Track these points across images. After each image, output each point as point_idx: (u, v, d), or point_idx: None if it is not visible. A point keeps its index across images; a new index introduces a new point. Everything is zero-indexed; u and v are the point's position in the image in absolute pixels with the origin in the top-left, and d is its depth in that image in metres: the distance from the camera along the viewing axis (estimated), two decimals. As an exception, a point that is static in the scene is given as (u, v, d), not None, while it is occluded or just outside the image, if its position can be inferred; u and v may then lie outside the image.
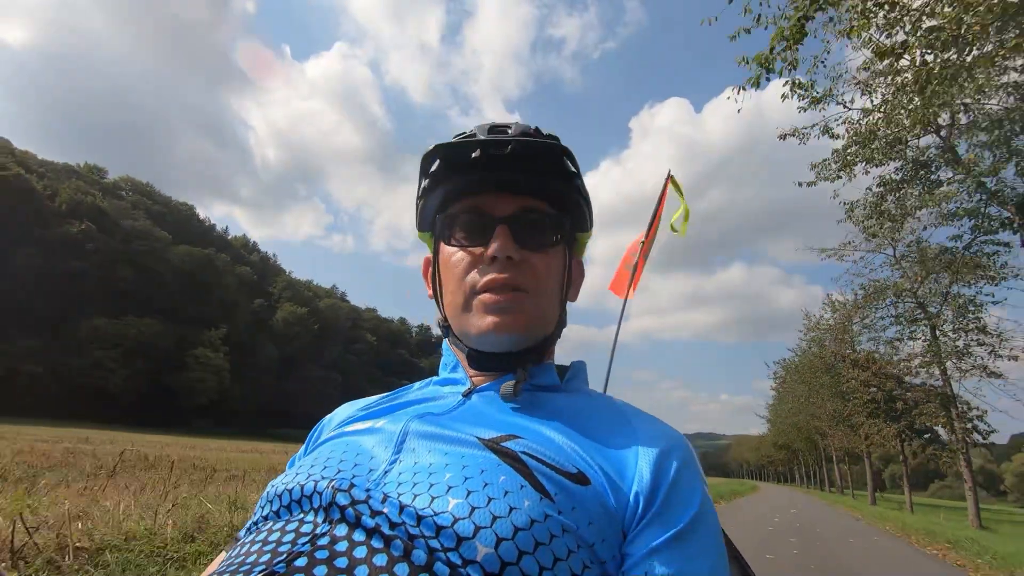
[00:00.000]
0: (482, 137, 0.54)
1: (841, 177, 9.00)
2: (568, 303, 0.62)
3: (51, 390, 56.46)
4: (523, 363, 0.55)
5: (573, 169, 0.56)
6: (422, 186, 0.59)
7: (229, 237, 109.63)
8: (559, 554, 0.39)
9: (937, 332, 12.71)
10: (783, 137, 8.80)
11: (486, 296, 0.53)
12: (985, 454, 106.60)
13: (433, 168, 0.56)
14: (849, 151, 8.67)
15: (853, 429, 19.68)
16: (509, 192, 0.56)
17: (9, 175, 63.95)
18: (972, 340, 12.04)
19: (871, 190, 9.89)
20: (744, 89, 5.42)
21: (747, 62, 5.14)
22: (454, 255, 0.57)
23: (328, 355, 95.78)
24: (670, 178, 2.92)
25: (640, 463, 0.46)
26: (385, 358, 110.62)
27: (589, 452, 0.47)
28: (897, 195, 9.41)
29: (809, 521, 11.73)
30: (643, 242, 2.91)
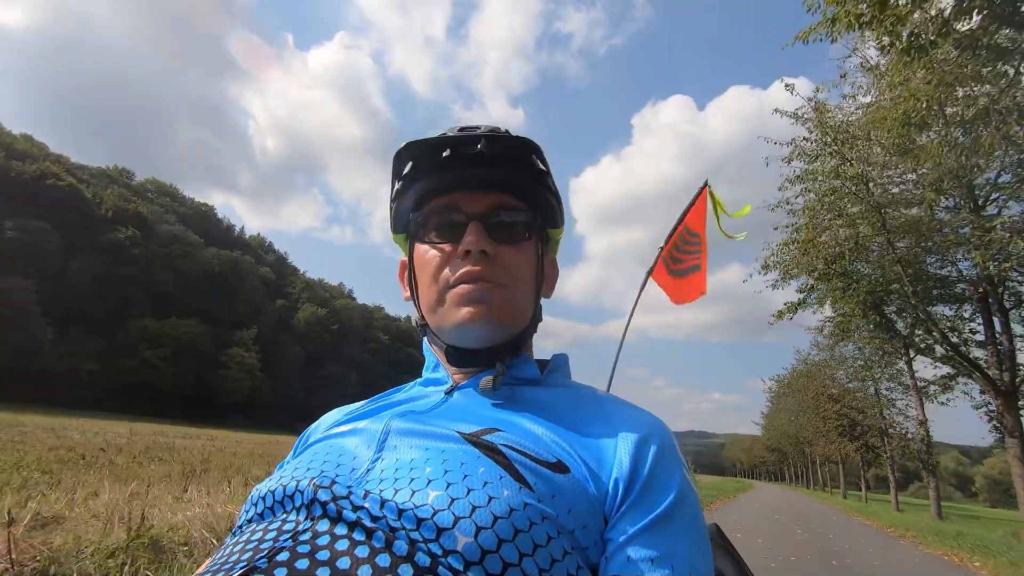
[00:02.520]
0: (451, 134, 0.56)
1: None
2: (544, 299, 0.66)
3: (107, 386, 62.82)
4: (501, 357, 0.57)
5: (543, 166, 0.58)
6: (395, 189, 0.61)
7: (247, 237, 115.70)
8: (539, 541, 0.40)
9: (877, 388, 20.59)
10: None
11: (460, 288, 0.55)
12: (958, 458, 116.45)
13: (405, 171, 0.58)
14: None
15: (829, 441, 27.55)
16: (481, 189, 0.58)
17: (63, 185, 69.71)
18: (898, 396, 19.84)
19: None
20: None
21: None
22: (428, 252, 0.59)
23: (346, 354, 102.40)
24: (706, 188, 3.17)
25: (619, 450, 0.48)
26: (396, 356, 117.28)
27: (569, 441, 0.49)
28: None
29: (797, 505, 19.37)
30: (661, 247, 3.13)
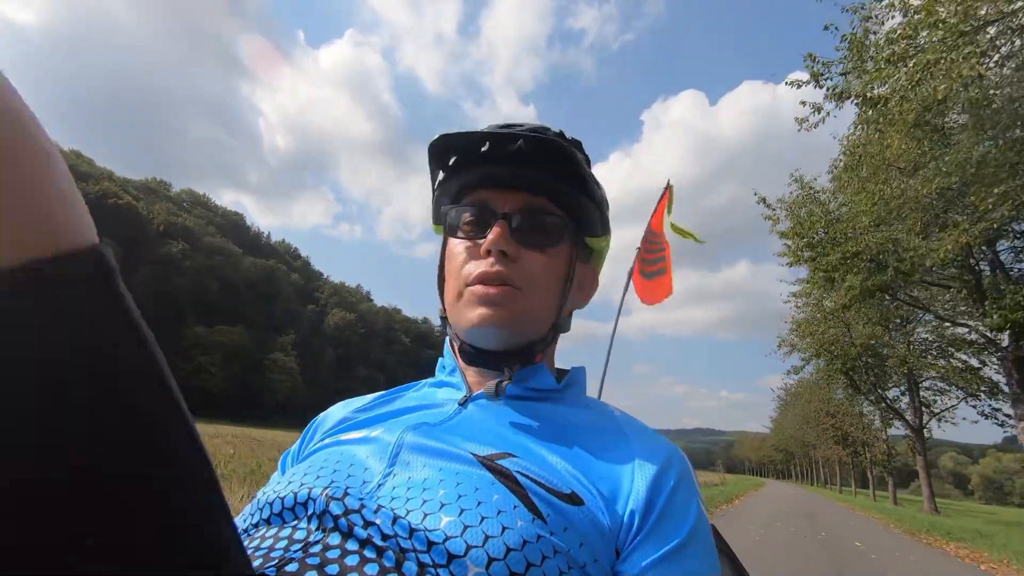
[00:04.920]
0: (490, 130, 0.56)
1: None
2: (574, 310, 0.65)
3: None
4: (509, 362, 0.57)
5: (584, 170, 0.57)
6: (438, 179, 0.61)
7: (273, 243, 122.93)
8: (550, 575, 0.40)
9: (861, 409, 27.74)
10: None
11: (477, 287, 0.55)
12: (955, 457, 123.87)
13: (451, 162, 0.59)
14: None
15: (827, 447, 34.70)
16: (516, 188, 0.58)
17: (122, 203, 76.82)
18: (876, 417, 26.90)
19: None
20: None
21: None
22: (456, 247, 0.59)
23: (372, 356, 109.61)
24: (668, 189, 3.16)
25: (636, 480, 0.48)
26: (418, 357, 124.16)
27: (584, 471, 0.49)
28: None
29: (800, 495, 26.06)
30: (639, 248, 3.11)
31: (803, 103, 8.05)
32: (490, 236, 0.55)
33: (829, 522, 12.28)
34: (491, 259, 0.55)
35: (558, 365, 0.66)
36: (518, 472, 0.46)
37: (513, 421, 0.55)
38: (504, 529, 0.41)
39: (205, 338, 76.65)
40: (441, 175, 0.61)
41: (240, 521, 0.50)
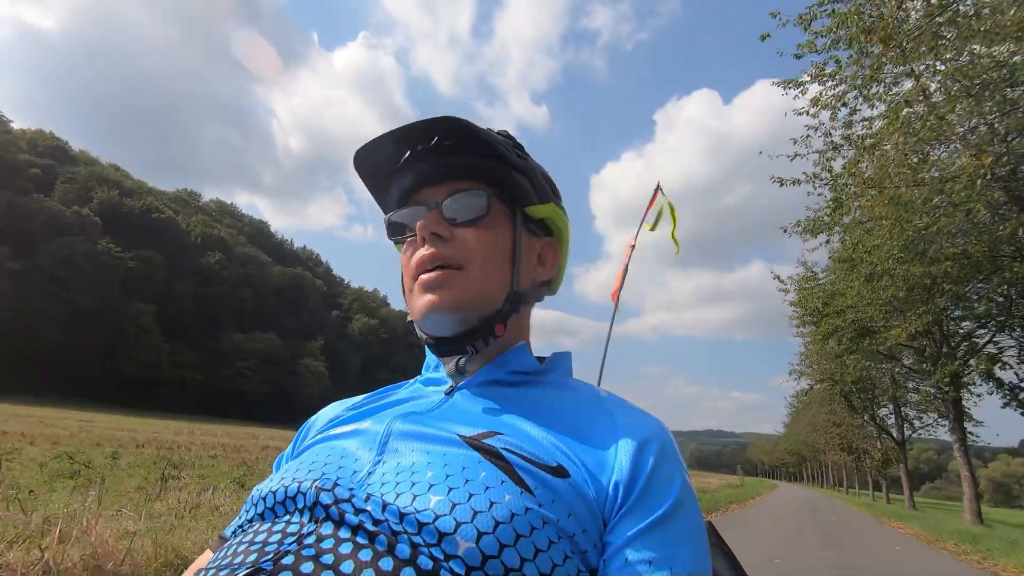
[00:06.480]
0: (391, 134, 0.58)
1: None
2: (547, 288, 0.67)
3: (207, 393, 75.10)
4: (472, 341, 0.58)
5: (496, 140, 0.58)
6: (380, 206, 0.65)
7: (296, 249, 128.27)
8: (540, 545, 0.41)
9: (863, 421, 32.43)
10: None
11: (421, 276, 0.57)
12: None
13: (368, 184, 0.63)
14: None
15: (834, 453, 39.31)
16: (440, 180, 0.60)
17: (164, 217, 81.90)
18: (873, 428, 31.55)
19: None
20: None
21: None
22: (405, 250, 0.62)
23: (393, 360, 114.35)
24: (659, 190, 3.23)
25: (620, 453, 0.49)
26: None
27: (569, 445, 0.50)
28: None
29: (810, 495, 31.02)
30: (633, 247, 3.08)
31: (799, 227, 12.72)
32: (420, 222, 0.57)
33: (823, 510, 17.55)
34: (426, 245, 0.57)
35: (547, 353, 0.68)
36: (504, 449, 0.48)
37: (498, 404, 0.56)
38: (492, 504, 0.42)
39: (243, 344, 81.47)
40: (381, 200, 0.65)
41: (236, 518, 0.53)
